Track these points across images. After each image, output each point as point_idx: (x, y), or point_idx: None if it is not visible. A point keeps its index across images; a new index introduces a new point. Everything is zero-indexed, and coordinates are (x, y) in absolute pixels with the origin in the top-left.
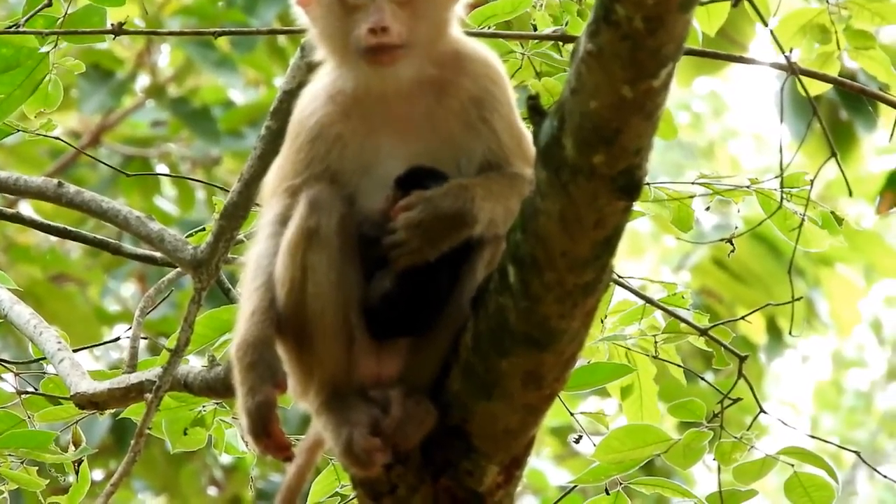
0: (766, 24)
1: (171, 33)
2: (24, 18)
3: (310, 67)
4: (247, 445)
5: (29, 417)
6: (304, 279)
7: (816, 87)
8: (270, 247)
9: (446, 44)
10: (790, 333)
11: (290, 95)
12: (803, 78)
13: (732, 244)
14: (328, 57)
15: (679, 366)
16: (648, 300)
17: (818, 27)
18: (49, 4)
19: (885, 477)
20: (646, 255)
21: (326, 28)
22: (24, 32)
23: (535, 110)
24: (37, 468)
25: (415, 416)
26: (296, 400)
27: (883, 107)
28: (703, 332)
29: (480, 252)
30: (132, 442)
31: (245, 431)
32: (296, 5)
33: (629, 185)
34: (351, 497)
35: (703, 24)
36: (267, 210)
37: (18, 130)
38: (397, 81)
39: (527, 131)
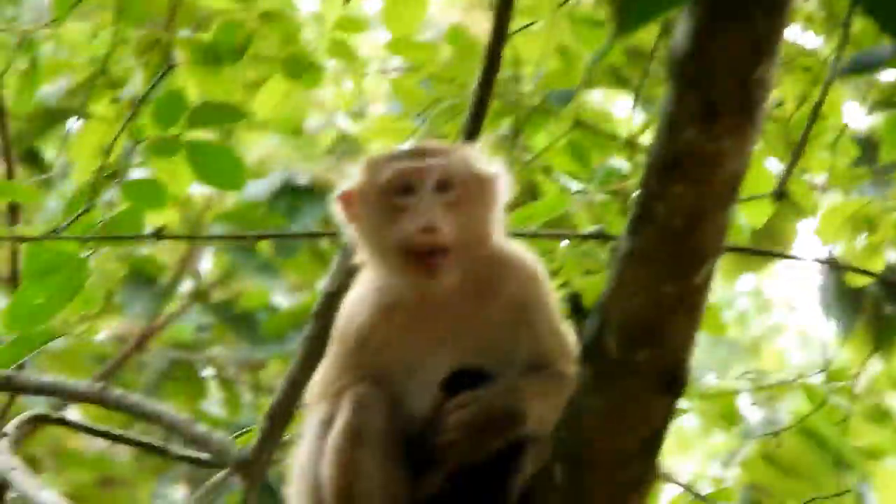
0: (813, 214)
1: (212, 238)
2: (64, 224)
3: (351, 270)
4: None
5: None
6: (350, 479)
7: (860, 281)
8: (316, 449)
9: (490, 246)
10: None
11: (332, 298)
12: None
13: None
14: (370, 258)
15: None
16: (697, 495)
17: (864, 219)
18: (88, 210)
19: None
20: (694, 450)
21: (370, 228)
22: (63, 238)
23: (577, 309)
24: None
25: None
26: None
27: None
28: None
29: (527, 451)
30: None
31: None
32: (336, 204)
33: (673, 382)
34: None
35: (749, 218)
36: (312, 413)
37: (64, 335)
38: (442, 284)
39: (569, 331)
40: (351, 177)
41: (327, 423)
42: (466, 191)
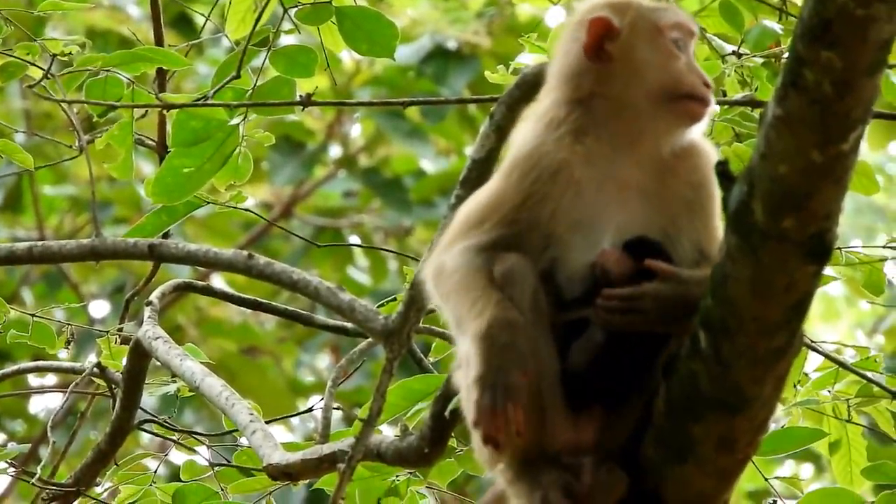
0: None
1: (360, 104)
2: (213, 91)
3: (500, 135)
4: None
5: (223, 489)
6: None
7: None
8: (481, 263)
9: None
10: None
11: (479, 164)
12: None
13: None
14: (618, 92)
15: (869, 429)
16: (842, 364)
17: None
18: (238, 76)
19: None
20: (840, 319)
21: (638, 62)
22: (213, 105)
23: (724, 176)
24: None
25: (606, 484)
26: (487, 469)
27: None
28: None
29: None
30: None
31: (475, 409)
32: (582, 28)
33: (819, 250)
34: None
35: None
36: (472, 234)
37: (208, 203)
38: (691, 135)
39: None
40: (601, 10)
41: (490, 249)
42: None
